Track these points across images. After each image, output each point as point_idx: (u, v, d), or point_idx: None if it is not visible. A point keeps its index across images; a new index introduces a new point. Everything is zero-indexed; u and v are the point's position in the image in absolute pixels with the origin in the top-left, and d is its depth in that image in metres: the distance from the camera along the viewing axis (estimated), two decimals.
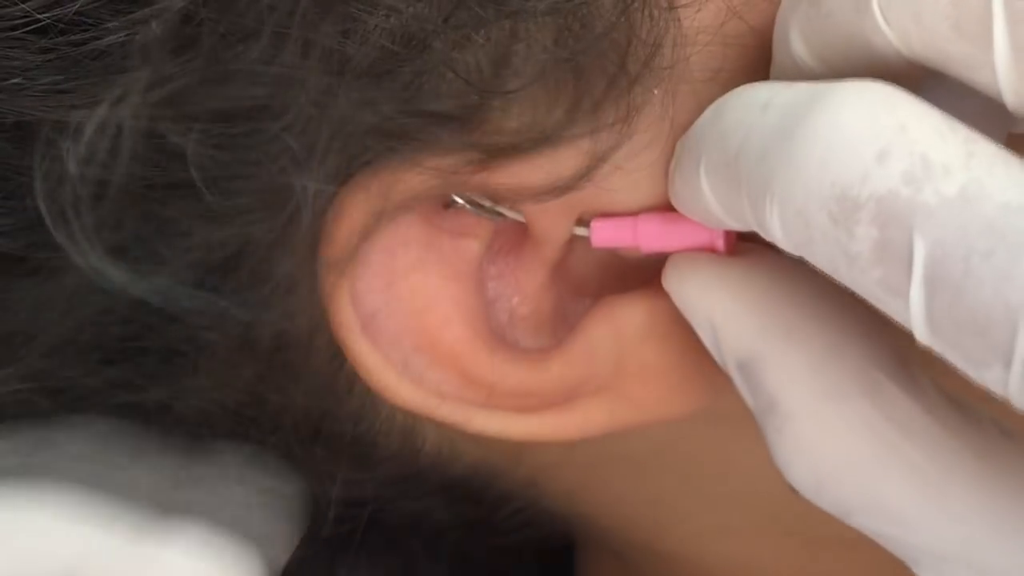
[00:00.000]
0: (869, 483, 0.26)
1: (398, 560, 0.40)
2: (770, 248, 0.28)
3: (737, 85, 0.29)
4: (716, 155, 0.26)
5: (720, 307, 0.28)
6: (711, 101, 0.28)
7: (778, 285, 0.28)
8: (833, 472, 0.27)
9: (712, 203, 0.26)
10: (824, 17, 0.25)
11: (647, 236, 0.30)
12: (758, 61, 0.29)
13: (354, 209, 0.29)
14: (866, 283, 0.23)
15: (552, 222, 0.30)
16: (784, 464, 0.28)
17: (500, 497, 0.39)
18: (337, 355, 0.32)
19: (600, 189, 0.29)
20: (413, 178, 0.29)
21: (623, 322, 0.31)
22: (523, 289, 0.32)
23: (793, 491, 0.29)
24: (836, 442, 0.26)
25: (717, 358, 0.29)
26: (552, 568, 0.47)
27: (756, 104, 0.25)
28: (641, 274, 0.32)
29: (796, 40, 0.26)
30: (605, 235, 0.30)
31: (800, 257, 0.25)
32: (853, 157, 0.23)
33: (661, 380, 0.32)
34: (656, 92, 0.29)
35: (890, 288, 0.23)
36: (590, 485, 0.38)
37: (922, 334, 0.23)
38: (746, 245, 0.30)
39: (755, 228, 0.26)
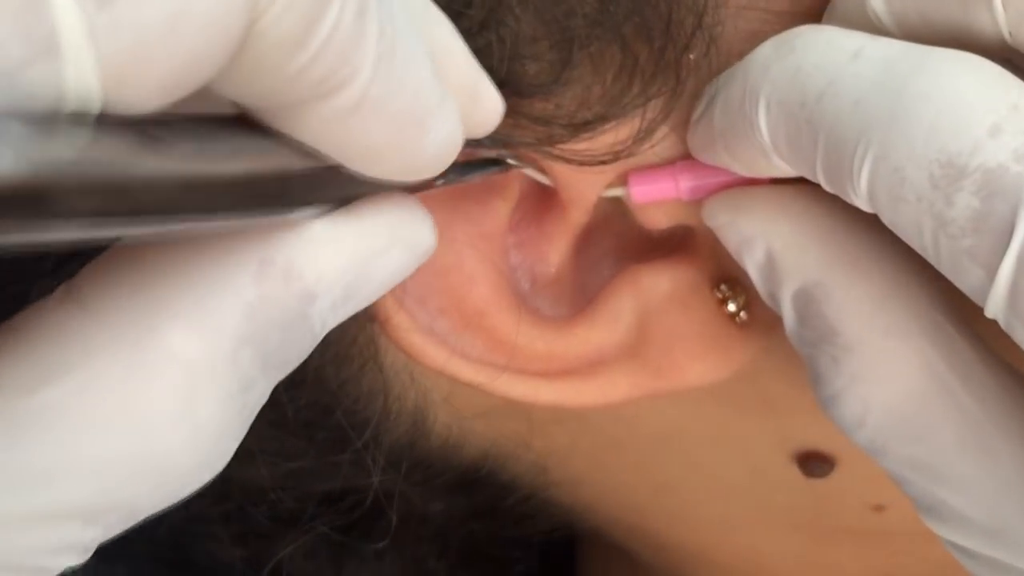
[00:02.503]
0: (917, 420, 0.27)
1: (404, 555, 0.40)
2: None
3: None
4: (787, 93, 0.26)
5: (782, 235, 0.28)
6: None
7: (841, 219, 0.28)
8: (883, 406, 0.27)
9: (767, 143, 0.26)
10: None
11: (689, 183, 0.30)
12: (795, 24, 0.29)
13: None
14: (951, 250, 0.24)
15: (584, 186, 0.30)
16: (830, 395, 0.28)
17: (507, 485, 0.39)
18: (348, 329, 0.32)
19: (638, 154, 0.29)
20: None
21: (646, 290, 0.32)
22: (546, 257, 0.32)
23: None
24: (893, 377, 0.27)
25: (764, 288, 0.29)
26: (554, 564, 0.47)
27: (842, 50, 0.25)
28: (661, 244, 0.32)
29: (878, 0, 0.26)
30: (644, 190, 0.30)
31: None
32: (965, 126, 0.23)
33: (682, 347, 0.32)
34: (701, 57, 0.29)
35: (977, 259, 0.23)
36: (598, 472, 0.38)
37: (997, 306, 0.23)
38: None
39: (819, 176, 0.26)
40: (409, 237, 0.23)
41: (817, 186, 0.27)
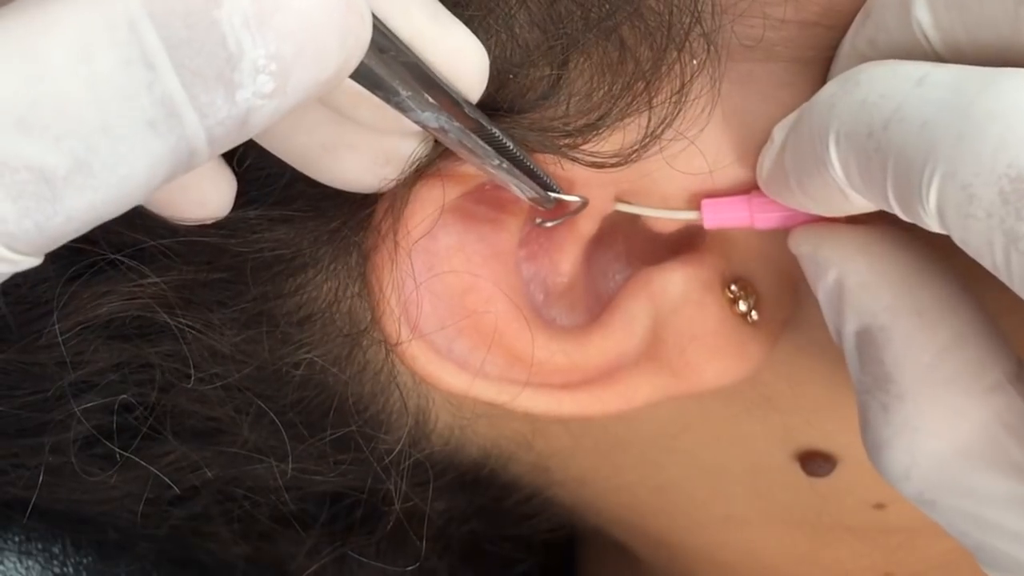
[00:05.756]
0: (966, 475, 0.27)
1: (406, 553, 0.40)
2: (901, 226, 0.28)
3: (778, 56, 0.29)
4: (854, 125, 0.26)
5: (856, 273, 0.29)
6: (753, 72, 0.29)
7: (915, 264, 0.28)
8: (931, 458, 0.27)
9: (840, 177, 0.26)
10: None
11: (764, 214, 0.30)
12: (798, 31, 0.29)
13: (428, 198, 0.30)
14: (1022, 264, 0.23)
15: (593, 197, 0.30)
16: (877, 442, 0.28)
17: (508, 485, 0.39)
18: (352, 331, 0.32)
19: (646, 162, 0.30)
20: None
21: (658, 292, 0.32)
22: (558, 267, 0.32)
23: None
24: (946, 430, 0.27)
25: (831, 321, 0.29)
26: (556, 563, 0.47)
27: (907, 78, 0.25)
28: (670, 246, 0.33)
29: (922, 10, 0.26)
30: (717, 216, 0.30)
31: (944, 234, 0.25)
32: None
33: (698, 347, 0.32)
34: (702, 61, 0.29)
35: None
36: (600, 471, 0.38)
37: None
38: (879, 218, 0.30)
39: (891, 203, 0.25)
40: None
41: (897, 230, 0.27)
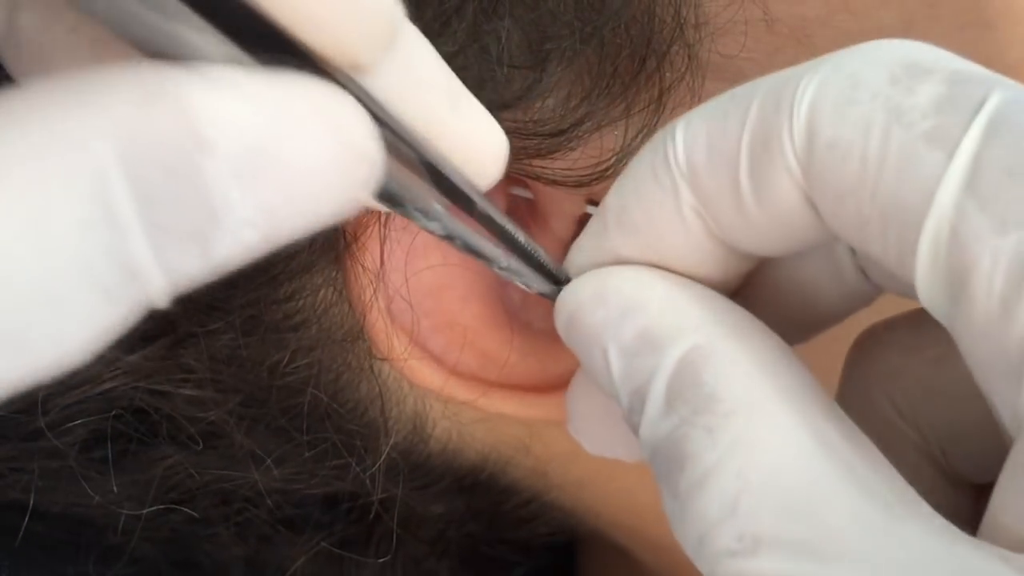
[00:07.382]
0: (804, 493, 0.22)
1: (405, 556, 0.40)
2: None
3: (757, 66, 0.29)
4: (706, 107, 0.24)
5: (657, 299, 0.25)
6: (733, 82, 0.29)
7: (711, 293, 0.26)
8: (764, 480, 0.23)
9: (680, 158, 0.24)
10: None
11: None
12: (778, 45, 0.29)
13: None
14: (903, 141, 0.21)
15: (565, 200, 0.30)
16: (700, 476, 0.23)
17: (507, 489, 0.39)
18: (348, 335, 0.32)
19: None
20: None
21: None
22: None
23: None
24: (779, 443, 0.23)
25: (631, 380, 0.25)
26: (555, 566, 0.47)
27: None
28: None
29: None
30: None
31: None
32: (928, 48, 0.22)
33: None
34: (681, 73, 0.29)
35: (935, 139, 0.21)
36: (599, 474, 0.38)
37: (955, 186, 0.21)
38: None
39: (743, 153, 0.23)
40: (337, 116, 0.18)
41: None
